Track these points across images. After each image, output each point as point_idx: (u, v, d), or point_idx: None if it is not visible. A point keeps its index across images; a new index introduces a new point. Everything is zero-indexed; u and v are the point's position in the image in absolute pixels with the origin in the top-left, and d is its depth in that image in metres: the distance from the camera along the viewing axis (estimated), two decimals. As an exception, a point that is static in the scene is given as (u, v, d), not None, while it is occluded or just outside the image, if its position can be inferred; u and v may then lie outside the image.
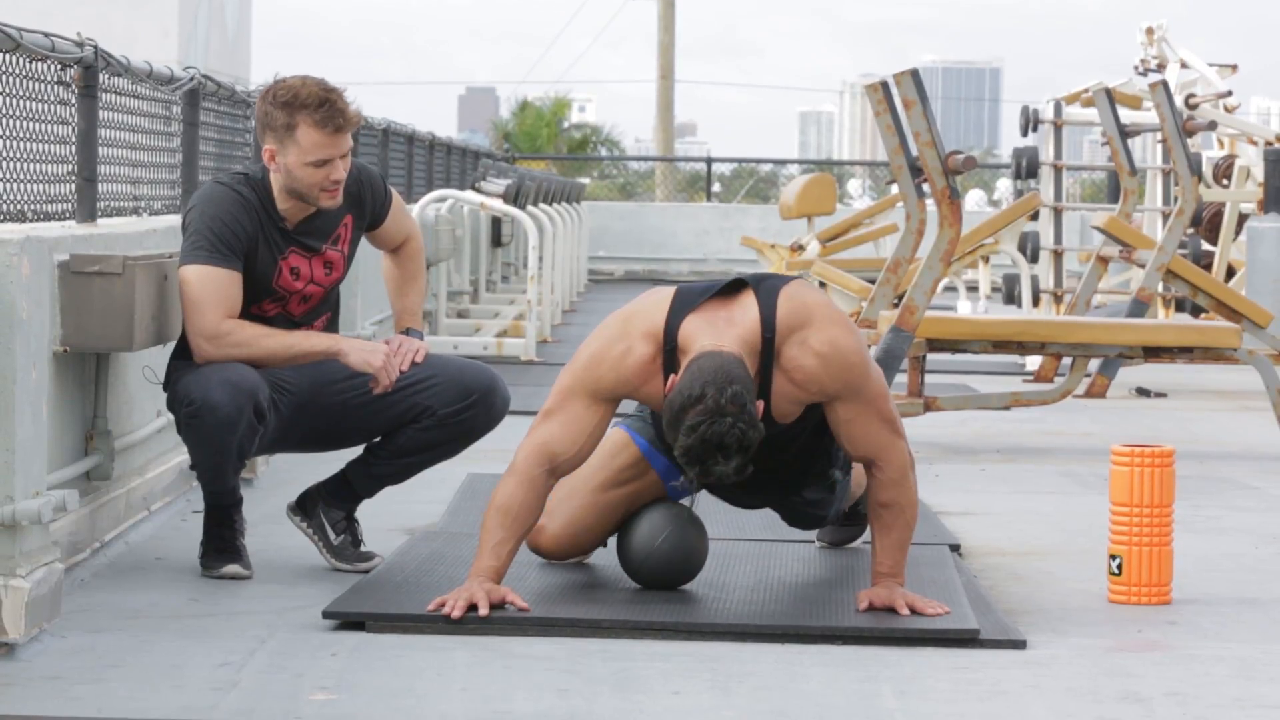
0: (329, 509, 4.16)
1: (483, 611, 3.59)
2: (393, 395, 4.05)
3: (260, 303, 4.04)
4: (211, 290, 3.94)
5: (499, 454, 5.75)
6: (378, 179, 4.17)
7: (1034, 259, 11.13)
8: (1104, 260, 9.19)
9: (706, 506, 4.81)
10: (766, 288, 3.74)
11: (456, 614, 3.58)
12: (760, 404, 3.61)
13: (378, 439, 4.13)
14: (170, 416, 4.19)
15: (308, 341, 4.01)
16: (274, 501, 4.67)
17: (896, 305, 6.51)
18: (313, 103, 3.94)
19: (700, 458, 3.51)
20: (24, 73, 4.17)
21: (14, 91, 4.11)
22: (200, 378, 3.89)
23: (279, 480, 5.19)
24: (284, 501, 4.27)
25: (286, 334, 4.01)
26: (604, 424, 3.76)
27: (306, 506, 4.17)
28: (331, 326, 4.17)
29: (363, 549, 4.16)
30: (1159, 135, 10.08)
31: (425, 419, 4.07)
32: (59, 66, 4.37)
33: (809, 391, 3.74)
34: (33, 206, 4.29)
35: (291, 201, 4.04)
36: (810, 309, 3.74)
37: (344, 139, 3.98)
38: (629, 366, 3.71)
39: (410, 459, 4.12)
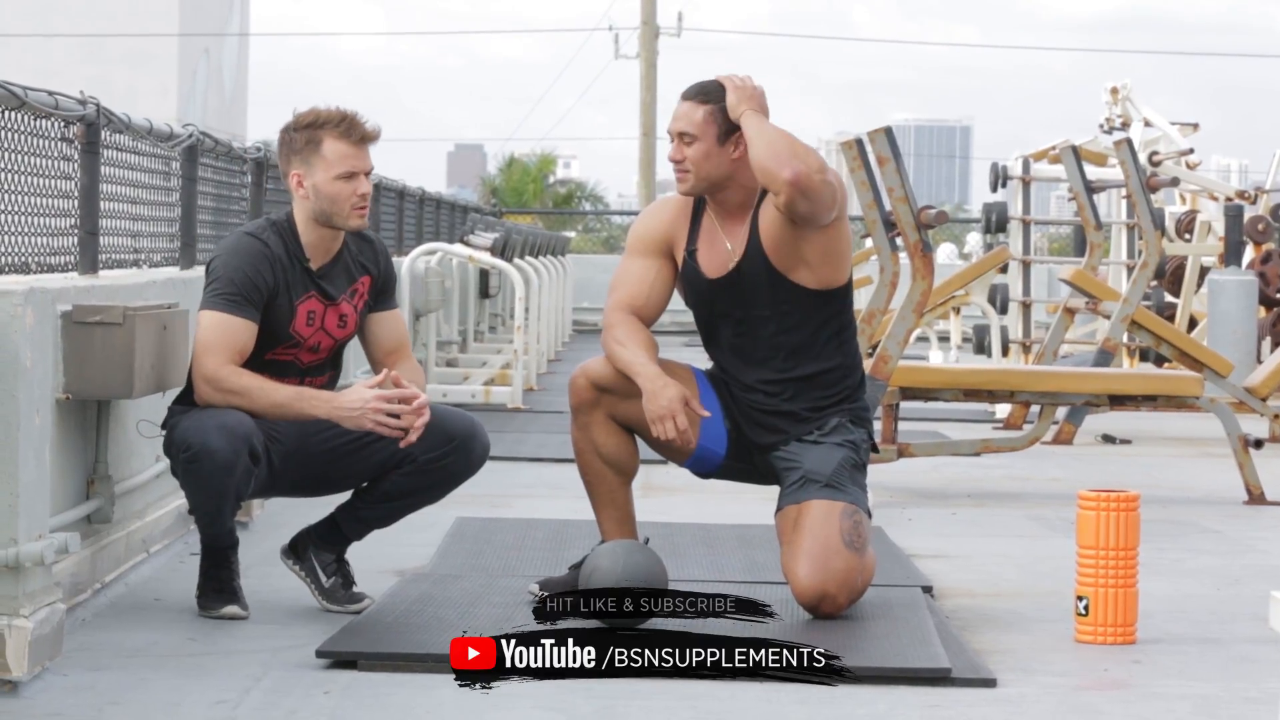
0: (320, 552, 4.20)
1: (682, 427, 4.05)
2: (377, 443, 4.08)
3: (274, 349, 4.09)
4: (224, 337, 3.98)
5: (487, 498, 5.87)
6: (387, 250, 4.26)
7: (1003, 310, 11.29)
8: (1071, 312, 9.34)
9: (692, 549, 4.90)
10: None
11: (670, 435, 4.05)
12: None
13: (365, 484, 4.19)
14: (169, 461, 4.23)
15: (301, 403, 4.00)
16: (268, 545, 4.67)
17: (871, 355, 6.63)
18: (334, 119, 4.05)
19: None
20: (29, 130, 4.20)
21: (19, 148, 4.14)
22: (197, 424, 3.93)
23: (273, 524, 5.19)
24: (278, 544, 4.30)
25: (284, 390, 4.00)
26: (663, 272, 4.22)
27: (298, 550, 4.22)
28: (330, 386, 4.21)
29: (354, 590, 4.20)
30: (1124, 191, 10.24)
31: (407, 464, 4.10)
32: (62, 124, 4.39)
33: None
34: (37, 259, 4.32)
35: (318, 233, 4.09)
36: None
37: (367, 153, 4.07)
38: (665, 211, 4.24)
39: (394, 504, 4.17)
